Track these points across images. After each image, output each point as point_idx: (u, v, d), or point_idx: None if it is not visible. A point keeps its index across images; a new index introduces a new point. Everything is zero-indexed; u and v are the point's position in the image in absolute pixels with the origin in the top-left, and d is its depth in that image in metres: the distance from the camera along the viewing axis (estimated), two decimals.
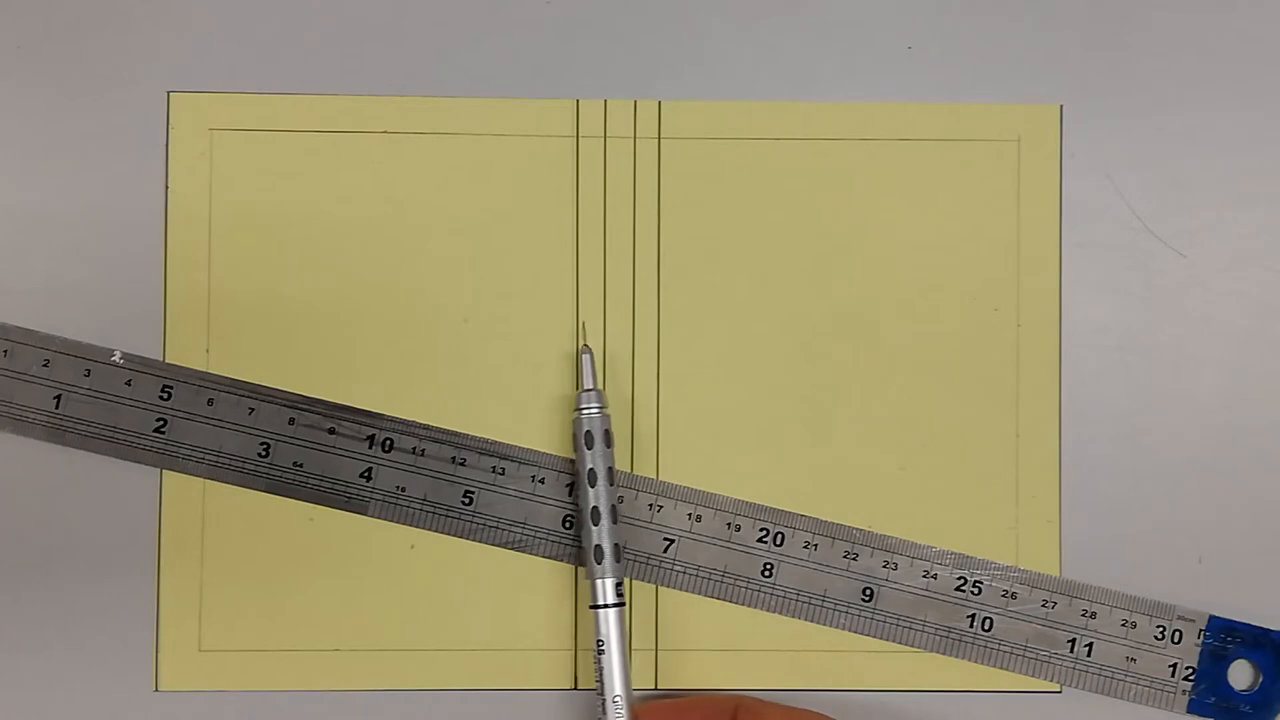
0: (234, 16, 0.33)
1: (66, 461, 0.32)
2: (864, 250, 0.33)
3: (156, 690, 0.32)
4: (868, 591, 0.32)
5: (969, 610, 0.32)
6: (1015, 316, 0.33)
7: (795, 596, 0.32)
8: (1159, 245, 0.33)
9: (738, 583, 0.32)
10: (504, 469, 0.32)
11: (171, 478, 0.32)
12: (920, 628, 0.32)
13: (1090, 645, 0.32)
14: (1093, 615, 0.32)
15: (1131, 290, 0.33)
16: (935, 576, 0.32)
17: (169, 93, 0.32)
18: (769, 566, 0.32)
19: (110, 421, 0.32)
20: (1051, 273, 0.33)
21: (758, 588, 0.32)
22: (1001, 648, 0.32)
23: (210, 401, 0.32)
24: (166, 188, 0.32)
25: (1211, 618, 0.32)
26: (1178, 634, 0.32)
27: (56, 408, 0.31)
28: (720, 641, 0.32)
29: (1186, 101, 0.33)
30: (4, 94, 0.32)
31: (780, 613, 0.32)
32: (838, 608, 0.32)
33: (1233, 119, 0.33)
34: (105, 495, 0.32)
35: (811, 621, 0.32)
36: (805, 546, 0.32)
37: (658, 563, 0.32)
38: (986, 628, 0.32)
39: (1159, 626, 0.32)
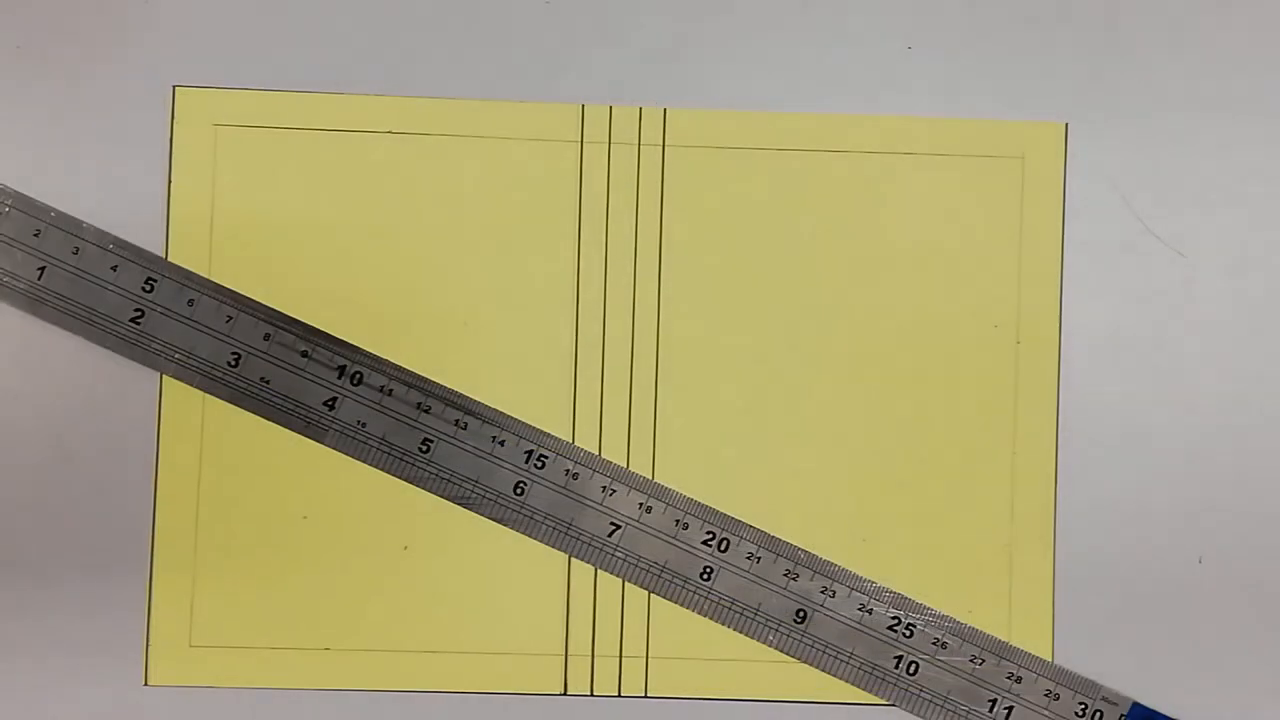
0: (240, 13, 0.32)
1: (62, 459, 0.32)
2: (866, 262, 0.33)
3: (146, 685, 0.32)
4: (800, 614, 0.32)
5: (897, 651, 0.32)
6: (1015, 333, 0.33)
7: (729, 605, 0.32)
8: (1164, 261, 0.33)
9: (674, 580, 0.32)
10: (466, 424, 0.32)
11: (167, 476, 0.32)
12: (846, 659, 0.32)
13: (1010, 709, 0.32)
14: (1018, 680, 0.32)
15: (1134, 309, 0.33)
16: (870, 611, 0.32)
17: (174, 87, 0.32)
18: (708, 570, 0.32)
19: (89, 302, 0.32)
20: (1052, 289, 0.33)
21: (694, 589, 0.32)
22: (923, 694, 0.32)
23: (191, 302, 0.32)
24: (169, 182, 0.32)
25: (1134, 705, 0.32)
26: (1099, 715, 0.32)
27: (39, 279, 0.32)
28: (711, 650, 0.32)
29: (1195, 123, 0.33)
30: (6, 88, 0.32)
31: (712, 618, 0.32)
32: (769, 624, 0.32)
33: (1244, 134, 0.33)
34: (98, 489, 0.32)
35: (740, 633, 0.32)
36: (748, 557, 0.32)
37: (600, 545, 0.32)
38: (911, 671, 0.32)
39: (1081, 703, 0.32)
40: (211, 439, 0.32)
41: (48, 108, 0.32)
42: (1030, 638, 0.32)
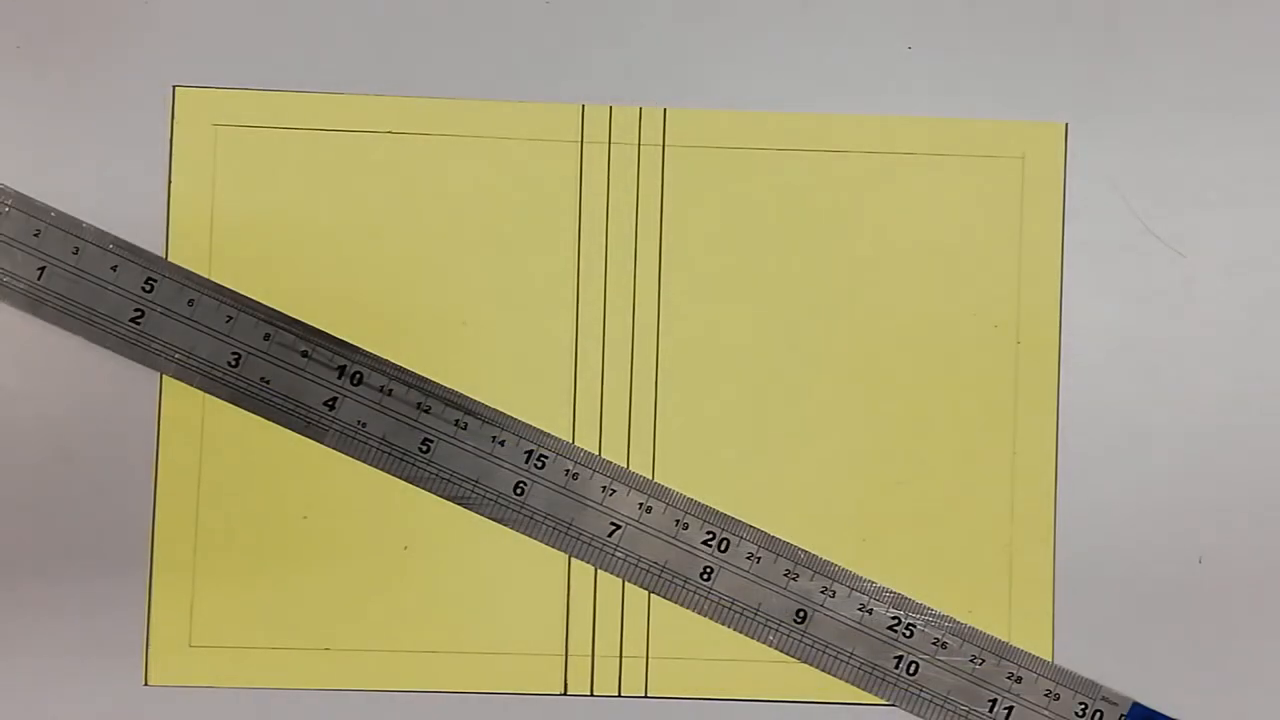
0: (240, 13, 0.32)
1: (62, 459, 0.32)
2: (866, 262, 0.33)
3: (146, 685, 0.32)
4: (801, 614, 0.32)
5: (897, 651, 0.32)
6: (1015, 333, 0.33)
7: (730, 605, 0.32)
8: (1164, 261, 0.33)
9: (675, 580, 0.32)
10: (466, 424, 0.32)
11: (167, 476, 0.32)
12: (846, 659, 0.32)
13: (1010, 709, 0.32)
14: (1018, 680, 0.32)
15: (1134, 309, 0.33)
16: (870, 611, 0.32)
17: (174, 87, 0.32)
18: (709, 570, 0.32)
19: (89, 303, 0.32)
20: (1052, 289, 0.33)
21: (694, 589, 0.32)
22: (923, 694, 0.32)
23: (191, 302, 0.32)
24: (169, 182, 0.32)
25: (1134, 705, 0.32)
26: (1099, 715, 0.32)
27: (39, 279, 0.32)
28: (711, 650, 0.32)
29: (1195, 123, 0.33)
30: (6, 88, 0.32)
31: (713, 619, 0.32)
32: (769, 624, 0.32)
33: (1244, 134, 0.33)
34: (98, 489, 0.32)
35: (740, 633, 0.32)
36: (748, 558, 0.32)
37: (600, 545, 0.32)
38: (911, 671, 0.32)
39: (1081, 703, 0.32)
40: (211, 439, 0.32)
41: (48, 108, 0.32)
42: (1030, 638, 0.32)
